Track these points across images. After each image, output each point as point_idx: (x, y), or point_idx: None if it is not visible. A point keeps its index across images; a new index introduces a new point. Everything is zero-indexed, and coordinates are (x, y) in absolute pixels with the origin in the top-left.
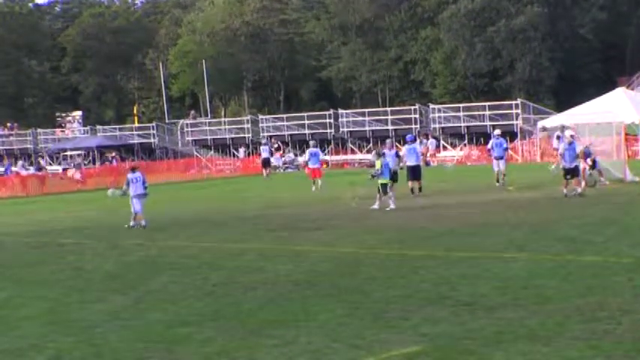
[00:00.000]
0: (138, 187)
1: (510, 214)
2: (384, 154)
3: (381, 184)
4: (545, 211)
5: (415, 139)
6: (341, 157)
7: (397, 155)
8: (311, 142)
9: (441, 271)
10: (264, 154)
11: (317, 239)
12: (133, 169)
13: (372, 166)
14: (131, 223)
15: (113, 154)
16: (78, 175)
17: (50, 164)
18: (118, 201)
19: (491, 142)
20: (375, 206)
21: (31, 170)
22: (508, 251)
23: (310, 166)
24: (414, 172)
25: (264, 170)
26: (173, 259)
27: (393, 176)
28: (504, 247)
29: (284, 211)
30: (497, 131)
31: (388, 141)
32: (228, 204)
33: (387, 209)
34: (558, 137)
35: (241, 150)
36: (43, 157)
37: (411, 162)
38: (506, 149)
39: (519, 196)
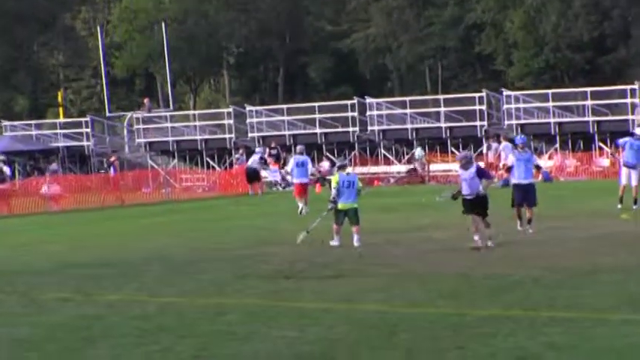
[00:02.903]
0: None
1: (624, 255)
2: (343, 166)
3: (335, 209)
4: None
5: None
6: (369, 170)
7: (480, 174)
8: (298, 147)
9: (520, 339)
10: (254, 164)
11: (332, 292)
12: None
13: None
14: None
15: (112, 158)
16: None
17: None
18: (34, 233)
19: (623, 140)
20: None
21: None
22: (619, 310)
23: (295, 180)
24: (527, 193)
25: (250, 187)
26: (117, 321)
27: (474, 205)
28: (614, 305)
29: (284, 248)
30: None
31: (463, 154)
32: (202, 239)
33: (331, 243)
34: None
35: (238, 155)
36: None
37: (521, 178)
38: None
39: (638, 228)
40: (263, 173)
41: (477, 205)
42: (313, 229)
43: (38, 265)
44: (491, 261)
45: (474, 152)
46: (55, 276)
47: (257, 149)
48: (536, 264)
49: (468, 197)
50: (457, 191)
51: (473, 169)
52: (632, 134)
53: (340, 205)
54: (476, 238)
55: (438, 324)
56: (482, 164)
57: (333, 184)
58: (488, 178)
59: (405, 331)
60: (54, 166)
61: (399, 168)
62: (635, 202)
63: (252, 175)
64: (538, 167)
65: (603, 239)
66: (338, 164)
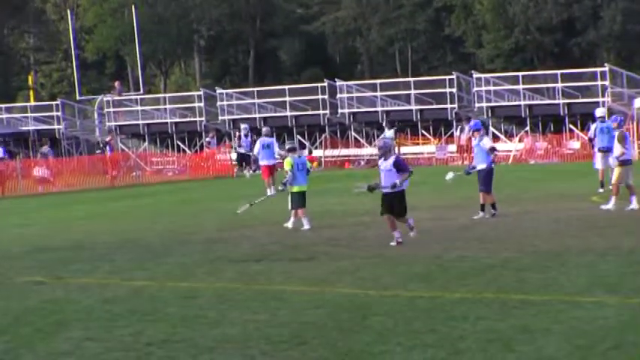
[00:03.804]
0: None
1: (594, 238)
2: (293, 149)
3: (292, 193)
4: None
5: (481, 128)
6: (340, 152)
7: (398, 167)
8: (263, 129)
9: (492, 322)
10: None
11: (304, 274)
12: None
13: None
14: None
15: (108, 138)
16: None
17: None
18: (8, 217)
19: (593, 127)
20: (289, 224)
21: None
22: (591, 293)
23: (262, 162)
24: (479, 179)
25: (237, 169)
26: (89, 305)
27: (391, 201)
28: (585, 287)
29: (256, 231)
30: (601, 111)
31: (382, 143)
32: (172, 222)
33: (302, 229)
34: None
35: (208, 138)
36: None
37: (482, 164)
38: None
39: (608, 209)
40: (233, 155)
41: (393, 202)
42: (258, 203)
43: (10, 249)
44: (462, 244)
45: (445, 135)
46: (28, 259)
47: (243, 126)
48: (507, 247)
49: (384, 190)
50: (375, 182)
51: (391, 160)
52: (595, 119)
53: (297, 188)
54: (396, 235)
55: (409, 307)
56: (454, 147)
57: (288, 167)
58: (404, 172)
59: (377, 314)
60: (45, 148)
61: (369, 150)
62: (602, 185)
63: (244, 158)
64: (492, 149)
65: (573, 222)
66: (288, 147)
